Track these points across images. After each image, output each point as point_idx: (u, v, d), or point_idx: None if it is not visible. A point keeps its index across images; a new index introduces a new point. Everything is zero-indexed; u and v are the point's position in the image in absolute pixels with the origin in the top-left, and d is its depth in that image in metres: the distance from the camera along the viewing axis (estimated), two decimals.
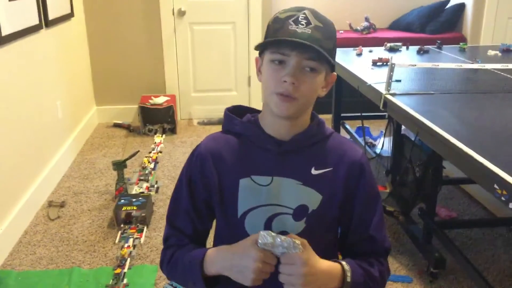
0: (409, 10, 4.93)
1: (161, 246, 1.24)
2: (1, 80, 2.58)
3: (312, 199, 1.10)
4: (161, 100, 4.22)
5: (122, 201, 2.78)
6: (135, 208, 2.72)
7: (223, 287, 1.11)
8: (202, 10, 4.37)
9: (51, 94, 3.35)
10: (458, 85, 2.63)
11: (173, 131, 4.23)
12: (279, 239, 1.00)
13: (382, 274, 1.14)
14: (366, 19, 4.71)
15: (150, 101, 4.21)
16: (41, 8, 3.13)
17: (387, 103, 2.32)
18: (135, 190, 3.11)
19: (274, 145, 1.10)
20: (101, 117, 4.51)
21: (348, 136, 3.66)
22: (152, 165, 3.51)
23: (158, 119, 4.23)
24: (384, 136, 3.16)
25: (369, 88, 2.52)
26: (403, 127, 2.61)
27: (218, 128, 1.22)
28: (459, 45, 3.52)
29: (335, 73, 1.12)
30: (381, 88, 2.39)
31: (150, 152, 3.77)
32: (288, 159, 1.10)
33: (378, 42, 3.77)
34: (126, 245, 2.52)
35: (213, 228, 1.23)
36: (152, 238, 2.63)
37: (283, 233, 1.06)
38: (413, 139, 2.38)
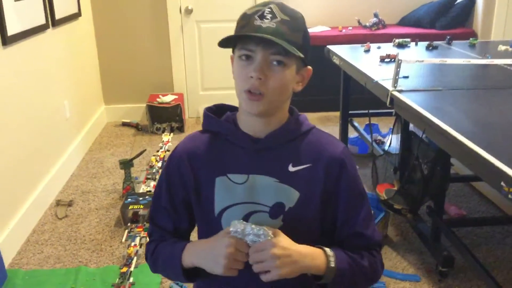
0: (418, 5, 4.87)
1: None
2: (8, 80, 2.59)
3: (289, 196, 1.09)
4: (169, 98, 4.23)
5: (129, 200, 2.79)
6: (142, 206, 2.72)
7: (208, 283, 1.12)
8: (209, 8, 4.36)
9: (58, 94, 3.37)
10: (467, 81, 2.59)
11: (181, 129, 4.24)
12: (249, 227, 1.01)
13: (373, 265, 1.12)
14: (375, 15, 4.66)
15: (158, 99, 4.22)
16: (47, 7, 3.14)
17: (393, 99, 2.29)
18: (142, 189, 3.12)
19: (250, 143, 1.09)
20: (110, 116, 4.53)
21: (355, 133, 3.64)
22: (159, 164, 3.51)
23: (166, 117, 4.24)
24: (392, 133, 3.13)
25: (376, 85, 2.49)
26: (411, 124, 2.58)
27: None
28: (468, 41, 3.47)
29: (310, 67, 1.10)
30: (388, 85, 2.36)
31: (158, 151, 3.77)
32: (264, 157, 1.09)
33: (388, 38, 3.74)
34: (132, 244, 2.53)
35: None
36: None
37: None
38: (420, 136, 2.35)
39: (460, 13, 4.64)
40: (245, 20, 1.03)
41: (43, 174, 3.01)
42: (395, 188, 2.61)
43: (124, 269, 2.33)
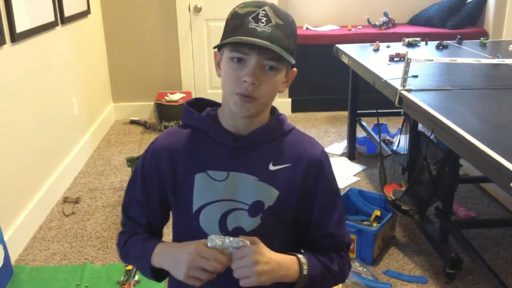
0: (429, 4, 4.82)
1: None
2: (16, 77, 2.60)
3: (269, 195, 1.08)
4: (177, 96, 4.23)
5: None
6: None
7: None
8: (218, 6, 4.35)
9: (67, 91, 3.37)
10: (477, 81, 2.56)
11: None
12: (228, 240, 1.00)
13: (342, 267, 1.14)
14: (385, 14, 4.62)
15: (166, 97, 4.22)
16: (56, 5, 3.15)
17: (402, 99, 2.27)
18: None
19: (231, 140, 1.08)
20: (118, 114, 4.54)
21: (364, 133, 3.61)
22: None
23: (174, 115, 4.23)
24: (401, 133, 3.10)
25: (385, 84, 2.47)
26: (420, 124, 2.55)
27: None
28: (479, 40, 3.43)
29: (295, 69, 1.10)
30: (397, 84, 2.34)
31: None
32: (245, 155, 1.09)
33: (397, 38, 3.70)
34: None
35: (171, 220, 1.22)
36: (165, 234, 2.62)
37: (238, 229, 1.07)
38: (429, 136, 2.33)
39: (471, 12, 4.59)
40: (238, 20, 1.02)
41: (51, 171, 3.02)
42: (403, 189, 2.58)
43: (130, 267, 2.32)
